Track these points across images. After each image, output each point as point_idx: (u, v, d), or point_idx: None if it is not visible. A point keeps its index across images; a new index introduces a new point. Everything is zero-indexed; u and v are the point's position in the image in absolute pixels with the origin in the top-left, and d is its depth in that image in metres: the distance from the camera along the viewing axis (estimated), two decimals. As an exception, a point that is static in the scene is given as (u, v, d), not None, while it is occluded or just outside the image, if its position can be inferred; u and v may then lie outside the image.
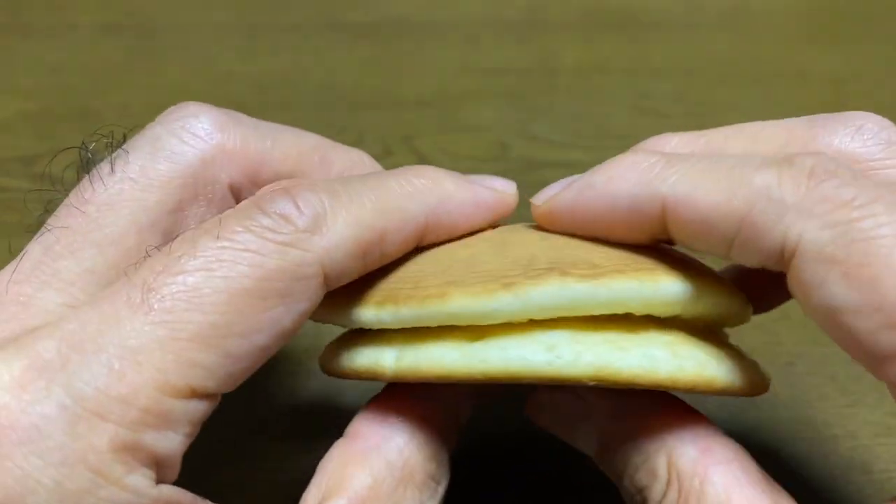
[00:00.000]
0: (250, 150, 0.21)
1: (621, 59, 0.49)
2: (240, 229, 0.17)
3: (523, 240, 0.20)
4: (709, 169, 0.18)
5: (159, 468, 0.17)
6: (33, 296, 0.18)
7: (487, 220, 0.21)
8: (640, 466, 0.18)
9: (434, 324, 0.18)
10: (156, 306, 0.16)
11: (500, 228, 0.22)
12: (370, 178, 0.20)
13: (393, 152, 0.41)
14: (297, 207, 0.18)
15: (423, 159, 0.41)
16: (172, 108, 0.21)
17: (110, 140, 0.20)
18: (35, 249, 0.19)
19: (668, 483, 0.18)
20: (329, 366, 0.20)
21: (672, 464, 0.18)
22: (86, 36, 0.49)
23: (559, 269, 0.18)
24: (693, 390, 0.18)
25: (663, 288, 0.18)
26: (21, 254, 0.19)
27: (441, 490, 0.19)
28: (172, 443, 0.17)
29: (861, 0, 0.55)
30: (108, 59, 0.48)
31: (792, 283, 0.17)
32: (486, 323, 0.18)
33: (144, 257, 0.18)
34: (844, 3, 0.55)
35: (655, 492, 0.18)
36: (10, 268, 0.19)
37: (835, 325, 0.16)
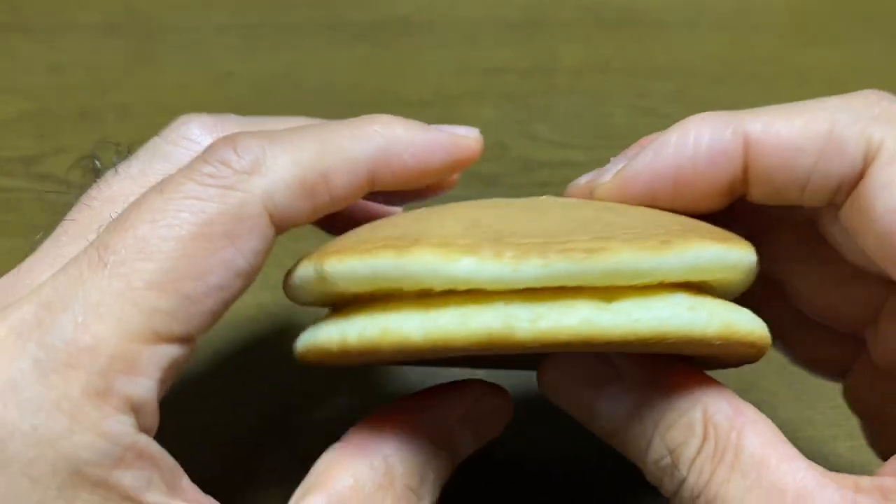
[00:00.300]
0: None
1: (621, 59, 0.49)
2: (183, 180, 0.18)
3: (619, 206, 0.20)
4: (781, 106, 0.19)
5: (137, 415, 0.17)
6: (38, 279, 0.19)
7: (446, 164, 0.22)
8: (674, 423, 0.18)
9: (586, 280, 0.17)
10: (110, 261, 0.17)
11: (563, 200, 0.21)
12: (317, 125, 0.21)
13: (393, 152, 0.41)
14: (236, 153, 0.19)
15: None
16: (172, 122, 0.23)
17: (118, 148, 0.22)
18: (46, 242, 0.21)
19: (705, 437, 0.18)
20: (381, 342, 0.18)
21: (708, 418, 0.18)
22: (86, 36, 0.49)
23: (694, 231, 0.18)
24: (764, 347, 0.19)
25: (753, 256, 0.19)
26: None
27: None
28: (145, 388, 0.17)
29: (861, 0, 0.55)
30: (108, 59, 0.48)
31: (861, 192, 0.18)
32: (642, 282, 0.17)
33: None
34: (844, 3, 0.55)
35: (691, 447, 0.18)
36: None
37: (893, 231, 0.17)
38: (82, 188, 0.22)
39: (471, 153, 0.22)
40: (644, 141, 0.22)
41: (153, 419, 0.18)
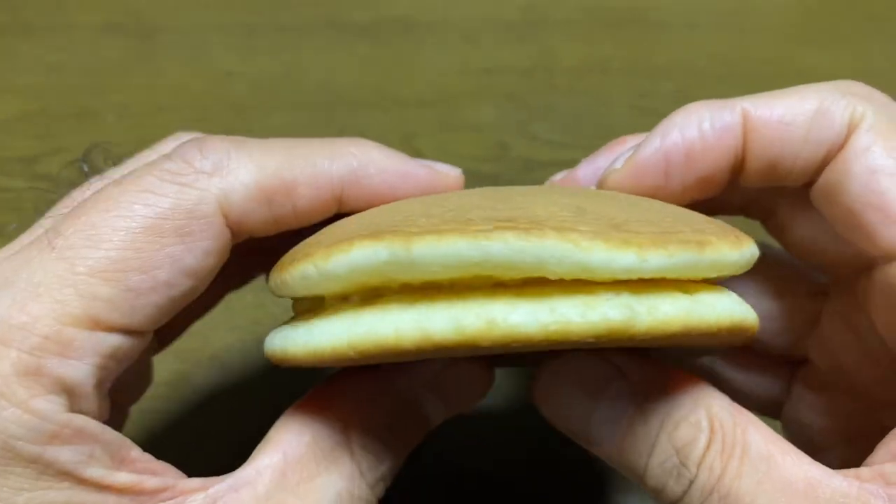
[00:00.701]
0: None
1: (621, 59, 0.49)
2: (143, 174, 0.18)
3: (646, 199, 0.20)
4: (771, 92, 0.21)
5: (70, 397, 0.17)
6: None
7: (418, 195, 0.21)
8: (680, 422, 0.18)
9: (694, 273, 0.17)
10: (58, 244, 0.17)
11: (602, 192, 0.21)
12: (295, 139, 0.20)
13: (393, 152, 0.41)
14: (201, 153, 0.19)
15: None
16: (168, 136, 0.23)
17: (107, 155, 0.22)
18: (23, 238, 0.20)
19: (712, 433, 0.18)
20: (485, 335, 0.16)
21: (713, 416, 0.18)
22: (86, 36, 0.49)
23: (732, 230, 0.19)
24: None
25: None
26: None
27: (383, 469, 0.20)
28: (79, 371, 0.17)
29: (861, 0, 0.55)
30: (108, 59, 0.48)
31: (841, 157, 0.19)
32: (727, 274, 0.18)
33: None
34: (844, 3, 0.55)
35: (699, 444, 0.18)
36: None
37: (867, 190, 0.19)
38: (71, 186, 0.22)
39: (449, 190, 0.21)
40: (622, 140, 0.23)
41: (91, 403, 0.18)
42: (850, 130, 0.19)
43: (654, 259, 0.16)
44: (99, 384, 0.18)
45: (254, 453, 0.19)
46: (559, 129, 0.43)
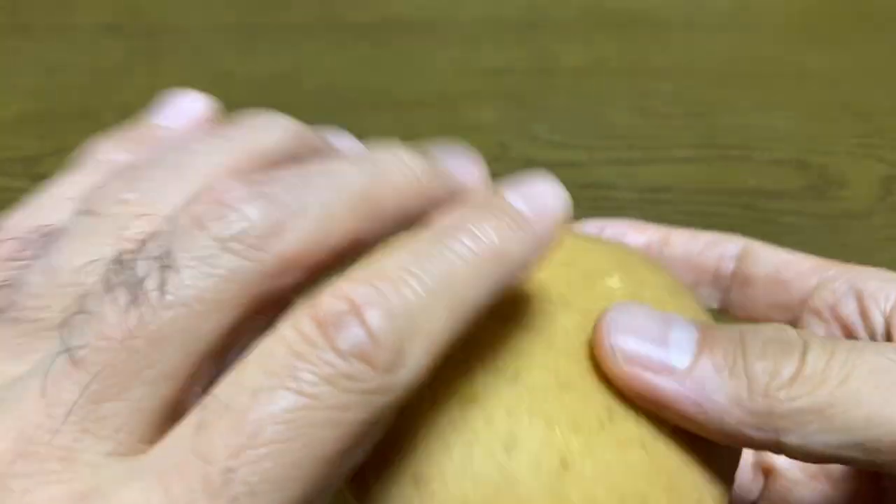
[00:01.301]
0: (311, 249, 0.18)
1: (621, 59, 0.49)
2: (314, 379, 0.15)
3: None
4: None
5: None
6: (73, 448, 0.16)
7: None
8: None
9: None
10: (240, 491, 0.15)
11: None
12: (437, 267, 0.17)
13: (393, 152, 0.41)
14: (374, 341, 0.16)
15: (423, 159, 0.41)
16: (215, 195, 0.17)
17: (157, 257, 0.17)
18: (69, 391, 0.16)
19: None
20: None
21: None
22: (86, 36, 0.49)
23: None
24: None
25: None
26: (45, 391, 0.16)
27: None
28: None
29: (861, 0, 0.55)
30: (108, 59, 0.48)
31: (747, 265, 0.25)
32: None
33: (201, 401, 0.16)
34: (844, 3, 0.55)
35: None
36: (39, 410, 0.16)
37: (776, 278, 0.24)
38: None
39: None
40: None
41: None
42: (745, 250, 0.25)
43: None
44: None
45: None
46: (559, 129, 0.43)
